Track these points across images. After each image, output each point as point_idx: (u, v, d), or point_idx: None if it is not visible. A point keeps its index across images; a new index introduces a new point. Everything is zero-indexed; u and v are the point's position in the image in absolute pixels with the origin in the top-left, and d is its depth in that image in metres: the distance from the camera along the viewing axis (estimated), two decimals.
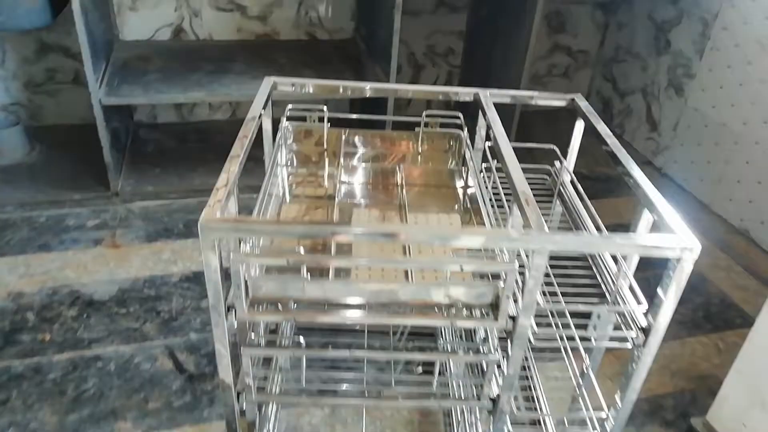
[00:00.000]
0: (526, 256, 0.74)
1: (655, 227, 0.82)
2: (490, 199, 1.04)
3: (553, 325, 0.82)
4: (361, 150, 1.21)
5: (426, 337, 1.29)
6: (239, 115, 2.49)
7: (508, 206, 1.00)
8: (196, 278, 1.64)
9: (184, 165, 2.13)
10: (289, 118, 1.18)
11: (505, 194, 1.03)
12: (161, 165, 2.12)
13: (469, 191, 1.10)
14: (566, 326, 0.84)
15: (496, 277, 0.81)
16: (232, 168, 0.83)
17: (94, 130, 1.82)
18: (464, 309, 0.79)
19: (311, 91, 1.16)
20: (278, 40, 2.40)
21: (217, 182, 0.77)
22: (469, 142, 1.14)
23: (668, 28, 2.21)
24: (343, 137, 1.19)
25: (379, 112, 2.03)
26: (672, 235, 0.71)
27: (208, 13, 2.29)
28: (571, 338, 0.86)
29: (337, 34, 2.45)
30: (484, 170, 1.11)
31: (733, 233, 1.97)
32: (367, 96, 1.19)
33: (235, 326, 0.79)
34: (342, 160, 1.17)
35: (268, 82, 1.13)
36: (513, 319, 0.77)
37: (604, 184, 2.16)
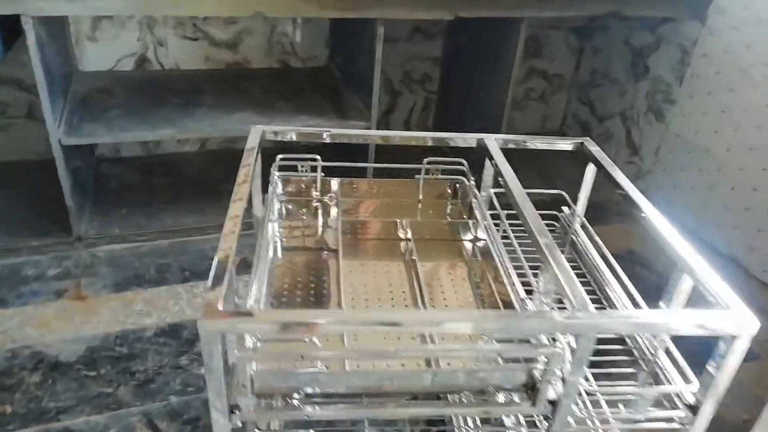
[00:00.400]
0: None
1: (694, 293, 0.76)
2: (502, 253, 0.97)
3: (590, 405, 0.75)
4: (358, 199, 1.12)
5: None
6: (209, 147, 2.37)
7: (524, 257, 0.94)
8: (173, 331, 1.52)
9: (153, 203, 2.00)
10: (279, 168, 1.09)
11: (519, 245, 0.96)
12: (127, 204, 1.98)
13: (479, 244, 1.03)
14: (601, 403, 0.77)
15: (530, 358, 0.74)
16: (228, 246, 0.72)
17: (52, 166, 1.67)
18: (497, 393, 0.71)
19: (294, 138, 1.07)
20: (249, 69, 2.30)
21: (213, 265, 0.66)
22: (476, 190, 1.07)
23: (646, 54, 2.22)
24: (339, 186, 1.11)
25: (367, 152, 1.94)
26: (728, 311, 0.66)
27: (173, 41, 2.18)
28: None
29: (310, 62, 2.37)
30: (491, 220, 1.04)
31: (721, 260, 1.96)
32: (358, 142, 1.11)
33: (240, 425, 0.69)
34: (339, 211, 1.09)
35: (256, 132, 1.04)
36: (552, 403, 0.69)
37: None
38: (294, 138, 1.06)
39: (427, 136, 1.07)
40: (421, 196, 1.11)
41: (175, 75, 2.19)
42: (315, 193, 1.11)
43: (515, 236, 0.98)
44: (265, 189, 1.07)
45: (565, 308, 0.70)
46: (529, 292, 0.88)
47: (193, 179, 2.18)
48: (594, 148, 1.04)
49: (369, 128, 1.92)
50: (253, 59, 2.30)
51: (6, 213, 1.89)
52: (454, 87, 2.43)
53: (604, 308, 0.89)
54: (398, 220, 1.10)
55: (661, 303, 0.81)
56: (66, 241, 1.79)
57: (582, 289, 0.68)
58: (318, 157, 1.08)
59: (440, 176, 1.12)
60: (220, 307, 0.61)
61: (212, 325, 0.60)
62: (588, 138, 1.08)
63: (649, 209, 0.87)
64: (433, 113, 2.59)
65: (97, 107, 1.87)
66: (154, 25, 2.12)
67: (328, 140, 1.06)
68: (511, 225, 1.00)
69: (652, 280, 1.64)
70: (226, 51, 2.25)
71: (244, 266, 0.84)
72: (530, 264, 0.92)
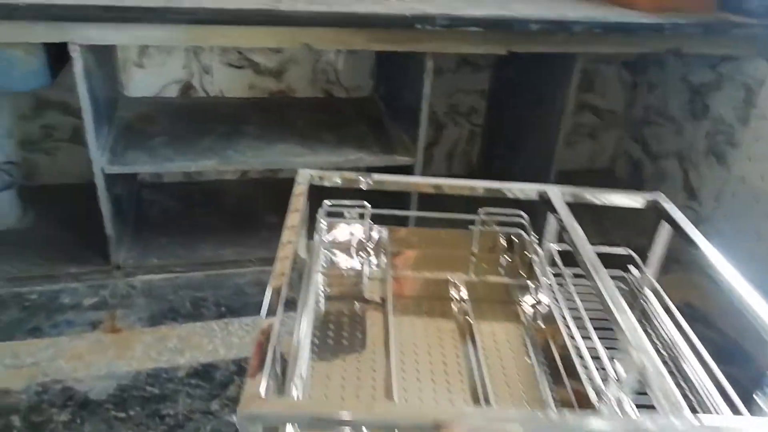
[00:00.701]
0: None
1: None
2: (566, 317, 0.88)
3: None
4: (408, 249, 1.05)
5: None
6: (250, 175, 2.34)
7: (594, 330, 0.85)
8: (206, 373, 1.46)
9: (191, 233, 1.97)
10: (327, 214, 1.03)
11: (587, 309, 0.88)
12: (166, 233, 1.96)
13: (540, 308, 0.95)
14: None
15: None
16: (268, 326, 0.65)
17: (94, 190, 1.65)
18: None
19: (340, 184, 1.01)
20: (293, 98, 2.27)
21: (253, 346, 0.60)
22: (537, 246, 0.99)
23: (706, 92, 2.10)
24: (388, 234, 1.04)
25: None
26: None
27: (218, 69, 2.17)
28: None
29: (354, 92, 2.33)
30: (553, 280, 0.96)
31: None
32: (406, 190, 1.05)
33: None
34: (388, 261, 1.02)
35: (304, 176, 0.98)
36: None
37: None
38: (339, 183, 1.01)
39: (482, 186, 1.00)
40: (475, 249, 1.03)
41: (219, 103, 2.18)
42: (362, 241, 1.04)
43: (581, 299, 0.90)
44: (310, 234, 1.01)
45: (650, 406, 0.61)
46: (599, 361, 0.79)
47: (233, 209, 2.15)
48: (668, 205, 0.96)
49: (413, 163, 1.86)
50: (297, 88, 2.28)
51: (47, 238, 1.88)
52: (501, 121, 2.36)
53: (689, 400, 0.79)
54: (450, 275, 1.02)
55: (756, 397, 0.71)
56: (104, 269, 1.76)
57: (674, 388, 0.59)
58: (367, 204, 1.02)
59: (496, 227, 1.05)
60: (262, 393, 0.55)
61: (252, 414, 0.53)
62: (660, 193, 0.99)
63: (728, 272, 0.78)
64: (478, 147, 2.51)
65: (141, 135, 1.87)
66: (201, 53, 2.12)
67: (374, 187, 1.00)
68: (575, 284, 0.91)
69: (716, 342, 1.51)
70: (270, 79, 2.23)
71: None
72: (601, 334, 0.83)
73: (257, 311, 1.67)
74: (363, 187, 0.99)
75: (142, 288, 1.74)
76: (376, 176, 1.00)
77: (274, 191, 2.20)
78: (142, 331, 1.58)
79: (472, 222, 1.02)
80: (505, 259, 1.04)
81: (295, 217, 0.91)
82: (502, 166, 2.36)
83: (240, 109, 2.14)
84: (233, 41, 1.67)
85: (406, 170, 1.88)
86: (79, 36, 1.47)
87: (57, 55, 1.58)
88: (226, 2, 1.54)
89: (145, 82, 2.12)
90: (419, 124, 1.82)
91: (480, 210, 1.02)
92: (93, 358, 1.48)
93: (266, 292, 0.72)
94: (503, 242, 1.05)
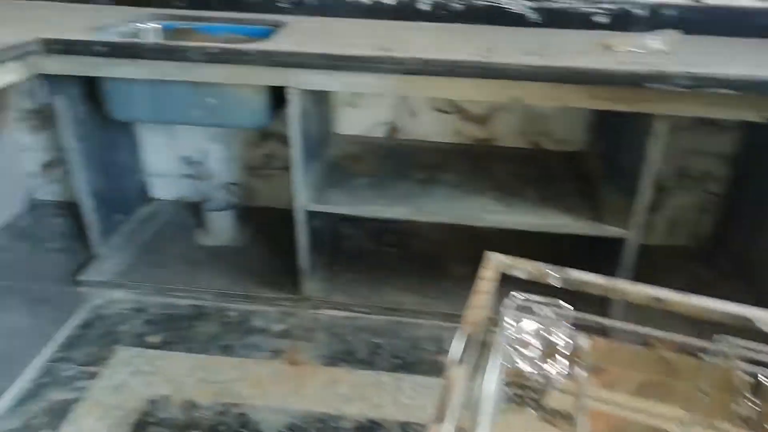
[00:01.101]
0: None
1: None
2: None
3: None
4: (614, 368, 0.87)
5: None
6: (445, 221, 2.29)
7: None
8: (370, 429, 1.42)
9: (378, 273, 1.97)
10: (515, 307, 0.90)
11: None
12: (355, 269, 1.99)
13: None
14: None
15: None
16: None
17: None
18: None
19: (535, 277, 0.87)
20: (498, 147, 2.17)
21: None
22: None
23: None
24: (590, 344, 0.87)
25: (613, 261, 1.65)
26: None
27: (425, 113, 2.16)
28: None
29: (565, 146, 2.14)
30: None
31: None
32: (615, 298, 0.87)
33: None
34: (587, 378, 0.85)
35: (494, 262, 0.87)
36: None
37: None
38: (535, 276, 0.87)
39: (727, 312, 0.78)
40: (705, 385, 0.81)
41: (422, 147, 2.17)
42: (554, 345, 0.89)
43: None
44: (494, 322, 0.89)
45: None
46: None
47: (422, 253, 2.11)
48: None
49: (627, 237, 1.62)
50: (503, 137, 2.17)
51: (252, 259, 2.04)
52: (747, 192, 1.96)
53: None
54: (664, 410, 0.82)
55: None
56: (294, 298, 1.84)
57: None
58: (567, 306, 0.86)
59: (738, 361, 0.81)
60: None
61: None
62: None
63: None
64: (711, 219, 2.13)
65: (345, 173, 1.92)
66: (410, 96, 2.14)
67: (570, 287, 0.85)
68: None
69: None
70: (476, 126, 2.16)
71: None
72: None
73: (431, 370, 1.61)
74: (556, 284, 0.85)
75: (325, 323, 1.78)
76: (575, 274, 0.85)
77: (468, 240, 2.11)
78: (319, 369, 1.60)
79: (702, 349, 0.81)
80: (746, 405, 0.80)
81: (479, 300, 0.80)
82: (743, 246, 1.96)
83: (441, 155, 2.10)
84: (442, 92, 1.63)
85: (616, 244, 1.65)
86: (297, 81, 1.56)
87: (277, 97, 1.71)
88: (437, 53, 1.51)
89: (355, 120, 2.21)
90: (640, 192, 1.58)
91: (717, 337, 0.80)
92: (271, 388, 1.53)
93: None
94: (745, 383, 0.81)
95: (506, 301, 0.91)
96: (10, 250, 2.04)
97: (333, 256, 2.06)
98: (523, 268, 0.89)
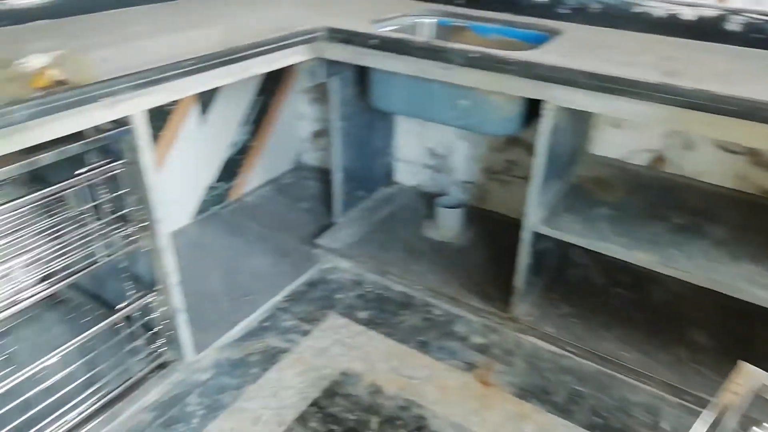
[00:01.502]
0: None
1: None
2: None
3: None
4: None
5: None
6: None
7: None
8: None
9: (601, 315, 1.77)
10: None
11: None
12: (575, 303, 1.81)
13: None
14: None
15: None
16: None
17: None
18: None
19: None
20: None
21: None
22: None
23: None
24: None
25: None
26: None
27: (705, 147, 1.84)
28: None
29: None
30: None
31: None
32: None
33: None
34: None
35: (747, 377, 0.68)
36: None
37: None
38: None
39: None
40: None
41: (691, 186, 1.86)
42: None
43: None
44: None
45: None
46: None
47: (657, 306, 1.83)
48: None
49: None
50: None
51: (469, 262, 2.00)
52: None
53: None
54: None
55: None
56: (501, 315, 1.76)
57: None
58: None
59: None
60: None
61: None
62: None
63: None
64: None
65: (587, 199, 1.75)
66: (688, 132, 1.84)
67: None
68: None
69: None
70: (766, 174, 1.77)
71: None
72: None
73: None
74: None
75: (527, 351, 1.67)
76: None
77: (721, 306, 1.76)
78: (508, 397, 1.51)
79: None
80: None
81: (723, 411, 0.64)
82: None
83: (712, 201, 1.77)
84: (731, 135, 1.35)
85: None
86: (556, 97, 1.44)
87: (531, 108, 1.61)
88: (733, 86, 1.24)
89: (614, 142, 1.99)
90: None
91: None
92: (456, 401, 1.49)
93: None
94: None
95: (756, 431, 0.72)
96: (271, 202, 2.36)
97: (554, 282, 1.91)
98: None
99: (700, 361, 1.62)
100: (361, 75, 1.97)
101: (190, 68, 1.33)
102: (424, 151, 2.37)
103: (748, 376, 0.75)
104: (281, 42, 1.58)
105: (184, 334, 1.48)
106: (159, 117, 1.95)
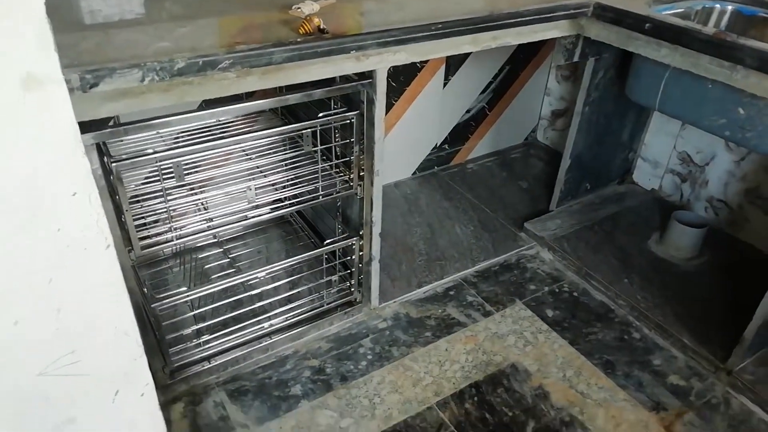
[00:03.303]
0: None
1: None
2: None
3: None
4: None
5: None
6: None
7: None
8: None
9: None
10: None
11: None
12: None
13: None
14: None
15: None
16: None
17: None
18: None
19: None
20: None
21: None
22: None
23: None
24: None
25: None
26: None
27: None
28: None
29: None
30: None
31: None
32: None
33: None
34: None
35: None
36: None
37: None
38: None
39: None
40: None
41: None
42: None
43: None
44: None
45: None
46: None
47: None
48: None
49: None
50: None
51: (693, 290, 1.73)
52: None
53: None
54: None
55: None
56: (715, 362, 1.50)
57: None
58: None
59: None
60: None
61: None
62: None
63: None
64: None
65: None
66: None
67: None
68: None
69: None
70: None
71: None
72: None
73: None
74: None
75: (734, 413, 1.40)
76: None
77: None
78: None
79: None
80: None
81: None
82: None
83: None
84: None
85: None
86: None
87: None
88: None
89: None
90: None
91: None
92: None
93: None
94: None
95: None
96: (491, 174, 2.33)
97: None
98: None
99: None
100: (623, 60, 1.79)
101: (436, 32, 1.35)
102: (676, 154, 2.08)
103: None
104: (543, 14, 1.50)
105: (375, 281, 1.58)
106: (407, 73, 2.04)
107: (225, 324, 1.46)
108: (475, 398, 1.40)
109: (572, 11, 1.56)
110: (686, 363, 1.53)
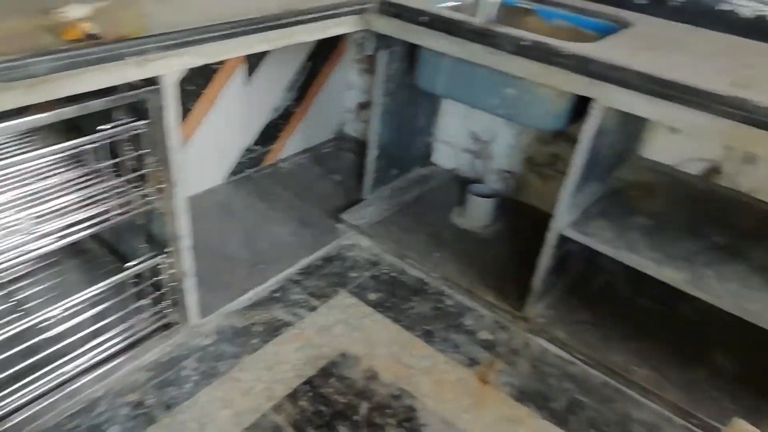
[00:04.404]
0: None
1: None
2: None
3: None
4: None
5: None
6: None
7: None
8: None
9: (619, 326, 1.68)
10: None
11: None
12: (595, 310, 1.73)
13: None
14: None
15: None
16: None
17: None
18: None
19: None
20: None
21: None
22: None
23: None
24: None
25: None
26: None
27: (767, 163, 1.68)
28: None
29: None
30: None
31: None
32: None
33: None
34: None
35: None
36: None
37: None
38: None
39: None
40: None
41: (743, 204, 1.71)
42: None
43: None
44: None
45: None
46: None
47: (683, 323, 1.72)
48: None
49: None
50: None
51: (492, 254, 1.94)
52: None
53: None
54: None
55: None
56: (513, 313, 1.71)
57: None
58: None
59: None
60: None
61: None
62: None
63: None
64: None
65: (626, 206, 1.65)
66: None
67: None
68: None
69: None
70: None
71: None
72: None
73: None
74: None
75: (534, 353, 1.61)
76: None
77: (749, 331, 1.63)
78: (505, 399, 1.47)
79: None
80: None
81: None
82: None
83: (762, 222, 1.63)
84: None
85: None
86: (607, 97, 1.35)
87: (581, 104, 1.51)
88: None
89: (668, 147, 1.85)
90: None
91: None
92: (450, 396, 1.47)
93: None
94: None
95: None
96: (305, 170, 2.36)
97: (576, 286, 1.83)
98: None
99: (717, 386, 1.53)
100: (411, 51, 1.91)
101: (223, 33, 1.32)
102: (467, 134, 2.29)
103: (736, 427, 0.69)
104: (330, 11, 1.55)
105: (190, 298, 1.52)
106: (203, 75, 1.97)
107: (17, 377, 1.29)
108: (309, 393, 1.42)
109: (357, 7, 1.63)
110: (493, 319, 1.72)
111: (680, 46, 1.47)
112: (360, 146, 2.53)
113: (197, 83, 1.96)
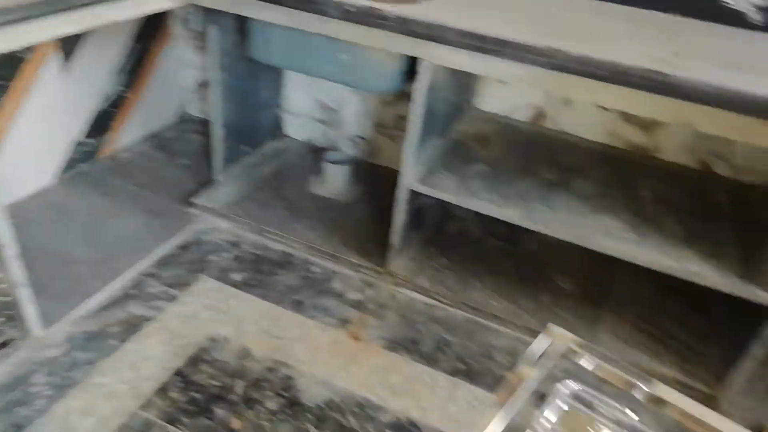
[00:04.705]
0: None
1: None
2: None
3: None
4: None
5: None
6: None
7: None
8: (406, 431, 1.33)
9: (474, 266, 1.81)
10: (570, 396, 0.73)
11: None
12: (451, 256, 1.85)
13: None
14: None
15: None
16: None
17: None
18: None
19: (599, 374, 0.69)
20: (656, 160, 1.83)
21: None
22: None
23: None
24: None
25: None
26: None
27: (582, 105, 1.88)
28: None
29: (743, 174, 1.74)
30: None
31: None
32: None
33: None
34: None
35: (553, 336, 0.70)
36: None
37: None
38: (607, 378, 0.69)
39: None
40: None
41: (566, 141, 1.90)
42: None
43: None
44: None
45: None
46: None
47: (527, 255, 1.89)
48: None
49: None
50: (665, 149, 1.82)
51: (353, 218, 1.99)
52: None
53: None
54: None
55: None
56: (378, 270, 1.77)
57: None
58: (632, 414, 0.68)
59: None
60: None
61: None
62: None
63: None
64: None
65: (466, 156, 1.76)
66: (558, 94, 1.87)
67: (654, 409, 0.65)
68: None
69: None
70: (636, 130, 1.84)
71: None
72: None
73: (494, 386, 1.46)
74: (637, 396, 0.66)
75: (402, 304, 1.69)
76: (666, 393, 0.64)
77: (588, 255, 1.84)
78: (378, 350, 1.53)
79: None
80: None
81: (519, 379, 0.65)
82: None
83: (584, 156, 1.83)
84: (597, 98, 1.37)
85: (765, 313, 1.31)
86: (432, 55, 1.41)
87: (414, 64, 1.57)
88: (605, 50, 1.25)
89: (499, 97, 1.99)
90: None
91: None
92: (325, 358, 1.50)
93: None
94: None
95: (558, 385, 0.74)
96: (148, 158, 2.22)
97: (434, 236, 1.94)
98: (594, 361, 0.71)
99: (562, 306, 1.71)
100: (242, 24, 1.85)
101: (17, 17, 1.18)
102: (315, 104, 2.29)
103: (554, 338, 0.78)
104: None
105: (28, 310, 1.38)
106: (9, 65, 1.75)
107: None
108: (180, 384, 1.37)
109: None
110: (360, 278, 1.77)
111: (498, 4, 1.57)
112: (206, 126, 2.41)
113: (2, 76, 1.74)
